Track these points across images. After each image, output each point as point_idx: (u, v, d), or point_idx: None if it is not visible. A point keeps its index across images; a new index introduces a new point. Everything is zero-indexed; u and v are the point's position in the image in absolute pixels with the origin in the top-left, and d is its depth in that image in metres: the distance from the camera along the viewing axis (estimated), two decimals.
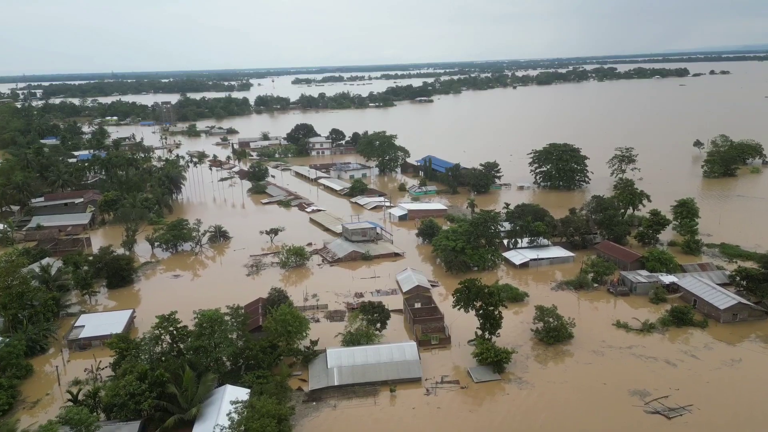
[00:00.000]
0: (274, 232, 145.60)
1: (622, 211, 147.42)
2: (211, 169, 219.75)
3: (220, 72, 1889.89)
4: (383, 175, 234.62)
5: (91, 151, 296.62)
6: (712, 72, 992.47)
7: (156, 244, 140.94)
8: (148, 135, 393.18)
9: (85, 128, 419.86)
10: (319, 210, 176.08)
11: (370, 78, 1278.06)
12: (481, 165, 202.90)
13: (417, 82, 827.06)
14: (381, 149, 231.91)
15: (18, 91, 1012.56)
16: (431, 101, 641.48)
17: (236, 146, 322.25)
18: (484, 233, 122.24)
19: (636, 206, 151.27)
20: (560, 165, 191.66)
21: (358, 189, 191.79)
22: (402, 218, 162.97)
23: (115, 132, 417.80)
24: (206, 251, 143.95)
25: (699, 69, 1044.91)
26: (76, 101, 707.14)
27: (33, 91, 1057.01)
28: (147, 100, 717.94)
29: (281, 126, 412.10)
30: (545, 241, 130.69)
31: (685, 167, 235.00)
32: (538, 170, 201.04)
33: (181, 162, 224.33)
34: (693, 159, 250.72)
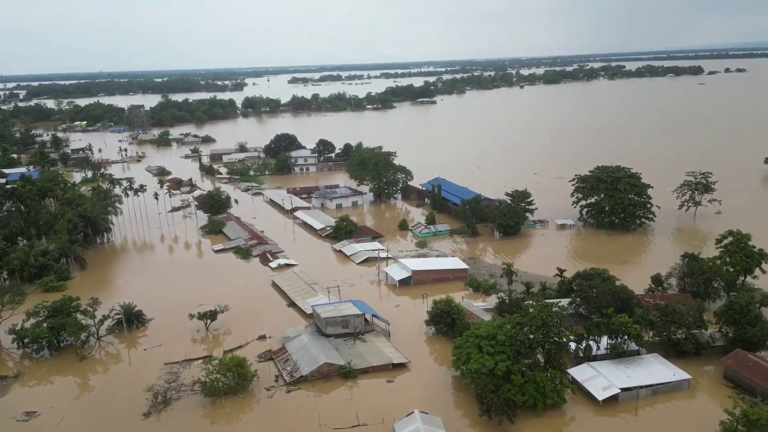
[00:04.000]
0: (211, 317, 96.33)
1: (724, 280, 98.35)
2: (156, 197, 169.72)
3: (216, 71, 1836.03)
4: (379, 203, 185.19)
5: (30, 168, 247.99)
6: (727, 70, 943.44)
7: (25, 341, 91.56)
8: (113, 144, 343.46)
9: (46, 136, 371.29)
10: (288, 264, 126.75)
11: (369, 77, 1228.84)
12: (507, 194, 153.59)
13: (418, 82, 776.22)
14: (376, 170, 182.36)
15: (0, 92, 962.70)
16: (434, 102, 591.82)
17: (206, 160, 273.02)
18: (544, 342, 72.99)
19: (752, 272, 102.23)
20: (616, 197, 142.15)
21: (344, 230, 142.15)
22: (404, 282, 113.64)
23: (78, 140, 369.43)
24: (106, 347, 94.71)
25: (709, 67, 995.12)
26: (52, 103, 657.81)
27: (16, 92, 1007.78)
28: (133, 101, 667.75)
29: (267, 132, 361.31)
30: (634, 346, 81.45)
31: (761, 193, 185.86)
32: (582, 201, 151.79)
33: (117, 189, 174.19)
34: (763, 180, 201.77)
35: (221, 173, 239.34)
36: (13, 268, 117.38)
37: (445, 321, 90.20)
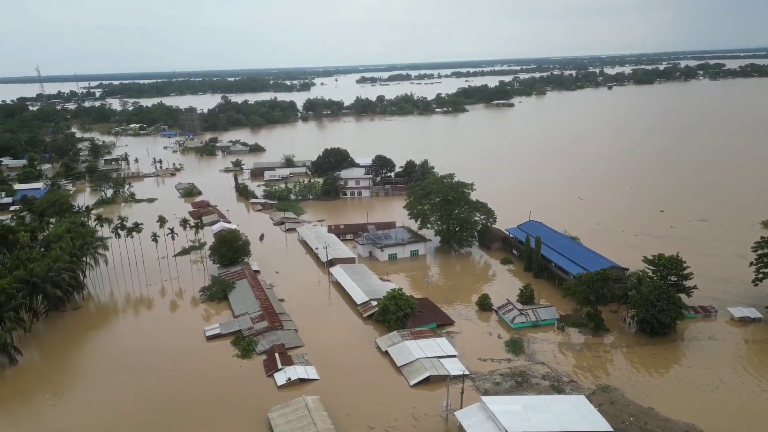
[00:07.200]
0: None
1: None
2: (155, 240, 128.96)
3: (288, 70, 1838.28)
4: (448, 251, 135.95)
5: (47, 183, 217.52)
6: None
7: None
8: (158, 151, 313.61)
9: (87, 141, 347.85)
10: (305, 379, 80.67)
11: (439, 76, 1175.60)
12: (647, 261, 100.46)
13: (492, 81, 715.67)
14: (445, 208, 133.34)
15: (78, 91, 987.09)
16: (511, 105, 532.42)
17: (246, 176, 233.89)
18: None
19: None
20: None
21: (394, 314, 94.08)
22: None
23: (124, 145, 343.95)
24: None
25: None
26: (118, 103, 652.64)
27: (93, 90, 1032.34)
28: (200, 101, 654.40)
29: (324, 140, 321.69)
30: None
31: None
32: None
33: (102, 230, 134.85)
34: None
35: (257, 196, 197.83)
36: None
37: None
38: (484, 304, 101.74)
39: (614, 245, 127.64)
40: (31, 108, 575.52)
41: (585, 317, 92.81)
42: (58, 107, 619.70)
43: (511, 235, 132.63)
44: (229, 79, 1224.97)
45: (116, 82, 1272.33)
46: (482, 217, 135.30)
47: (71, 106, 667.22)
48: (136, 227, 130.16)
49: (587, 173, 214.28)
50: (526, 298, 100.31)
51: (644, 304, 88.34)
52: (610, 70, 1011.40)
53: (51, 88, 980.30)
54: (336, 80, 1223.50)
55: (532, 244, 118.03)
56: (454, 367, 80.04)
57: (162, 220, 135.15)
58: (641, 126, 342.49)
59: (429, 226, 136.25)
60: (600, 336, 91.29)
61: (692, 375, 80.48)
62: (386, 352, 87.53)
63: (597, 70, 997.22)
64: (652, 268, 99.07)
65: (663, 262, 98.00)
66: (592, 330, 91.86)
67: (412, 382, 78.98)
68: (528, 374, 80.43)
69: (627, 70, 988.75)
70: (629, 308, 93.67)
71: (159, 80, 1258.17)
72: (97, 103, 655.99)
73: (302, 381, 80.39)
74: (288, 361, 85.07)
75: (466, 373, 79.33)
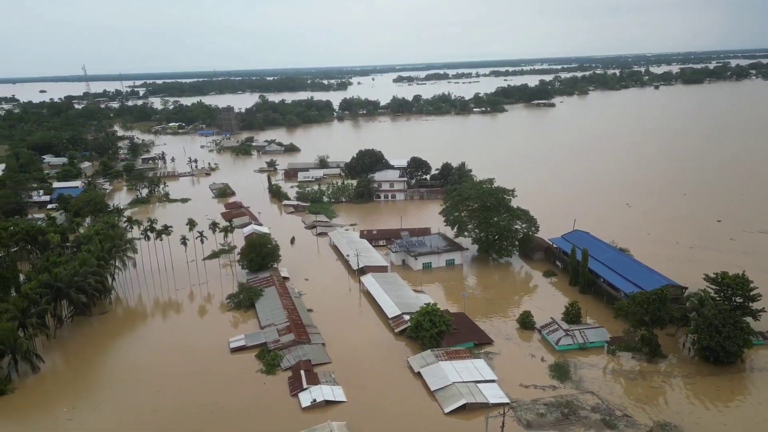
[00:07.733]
0: None
1: None
2: (184, 242, 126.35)
3: (326, 69, 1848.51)
4: (486, 260, 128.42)
5: (84, 182, 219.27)
6: None
7: None
8: (195, 150, 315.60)
9: (131, 139, 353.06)
10: (331, 401, 75.25)
11: (477, 75, 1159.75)
12: (708, 280, 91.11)
13: (532, 81, 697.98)
14: (484, 215, 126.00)
15: (123, 89, 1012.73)
16: (552, 105, 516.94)
17: (278, 178, 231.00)
18: None
19: None
20: None
21: (428, 332, 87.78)
22: None
23: (163, 144, 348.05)
24: None
25: None
26: (159, 102, 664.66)
27: (137, 89, 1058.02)
28: (239, 99, 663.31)
29: (359, 140, 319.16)
30: None
31: None
32: None
33: (132, 231, 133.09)
34: None
35: (290, 198, 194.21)
36: None
37: None
38: (526, 322, 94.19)
39: (668, 259, 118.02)
40: (76, 106, 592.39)
41: (639, 341, 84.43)
42: (102, 106, 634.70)
43: (554, 246, 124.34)
44: (268, 78, 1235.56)
45: (159, 81, 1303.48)
46: (524, 225, 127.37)
47: (115, 104, 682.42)
48: (165, 230, 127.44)
49: (634, 177, 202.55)
50: (573, 316, 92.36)
51: (708, 330, 79.42)
52: (656, 69, 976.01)
53: (97, 87, 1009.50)
54: (373, 79, 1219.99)
55: (578, 256, 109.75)
56: (494, 394, 73.46)
57: (192, 223, 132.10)
58: (692, 127, 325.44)
59: (466, 233, 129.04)
60: (656, 363, 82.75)
61: (763, 412, 71.47)
62: (419, 373, 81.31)
63: (642, 69, 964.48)
64: (714, 287, 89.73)
65: (727, 281, 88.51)
66: (646, 355, 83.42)
67: (447, 410, 72.54)
68: (575, 405, 72.87)
69: (674, 69, 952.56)
70: (689, 332, 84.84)
71: (200, 79, 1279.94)
72: (140, 102, 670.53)
73: (328, 403, 75.02)
74: (314, 380, 79.83)
75: (507, 401, 72.61)
